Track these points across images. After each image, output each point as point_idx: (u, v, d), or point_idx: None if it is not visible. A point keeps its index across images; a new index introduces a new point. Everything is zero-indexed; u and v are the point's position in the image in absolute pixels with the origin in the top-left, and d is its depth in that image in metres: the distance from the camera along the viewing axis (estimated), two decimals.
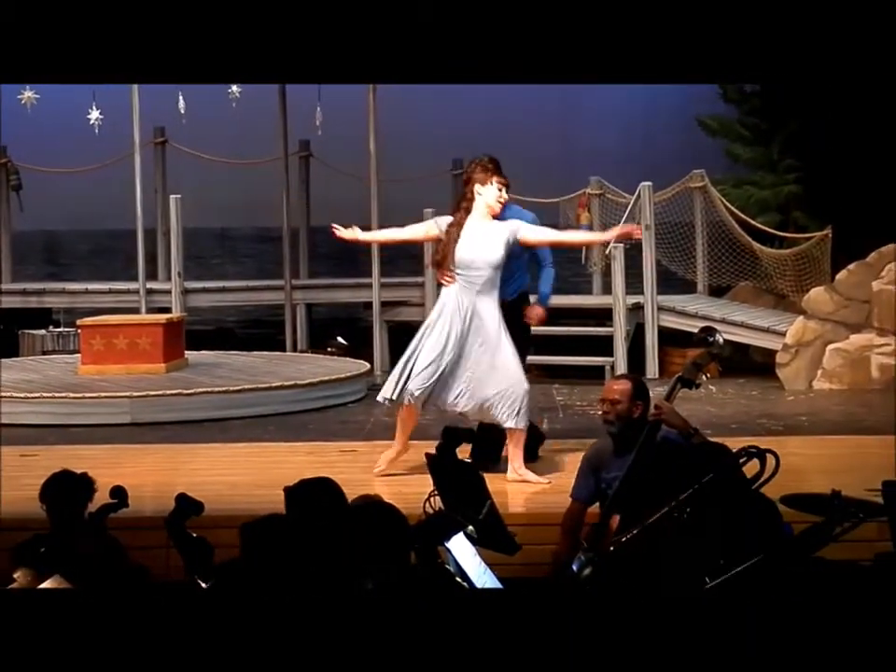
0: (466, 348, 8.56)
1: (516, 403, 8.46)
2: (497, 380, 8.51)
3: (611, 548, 6.17)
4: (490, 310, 8.55)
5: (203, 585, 5.39)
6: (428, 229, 8.90)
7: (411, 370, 8.58)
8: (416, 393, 8.54)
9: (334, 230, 8.90)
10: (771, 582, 5.20)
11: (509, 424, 8.47)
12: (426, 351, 8.58)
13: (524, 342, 8.92)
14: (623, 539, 6.12)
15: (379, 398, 8.80)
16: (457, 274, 8.56)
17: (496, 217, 8.68)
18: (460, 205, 8.73)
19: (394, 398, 8.64)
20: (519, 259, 8.91)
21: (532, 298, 9.07)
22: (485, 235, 8.57)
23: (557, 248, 9.28)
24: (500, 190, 8.65)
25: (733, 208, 14.91)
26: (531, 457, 8.74)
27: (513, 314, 8.81)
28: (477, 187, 8.65)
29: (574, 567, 6.32)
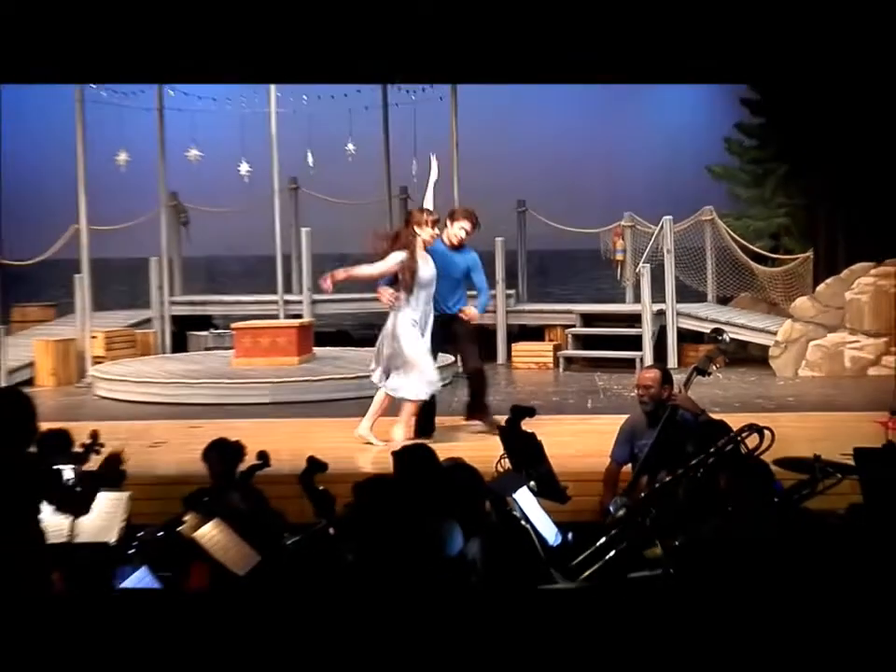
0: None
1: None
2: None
3: (641, 494, 6.16)
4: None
5: (331, 530, 5.39)
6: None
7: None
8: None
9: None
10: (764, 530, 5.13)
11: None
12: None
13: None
14: (651, 490, 6.11)
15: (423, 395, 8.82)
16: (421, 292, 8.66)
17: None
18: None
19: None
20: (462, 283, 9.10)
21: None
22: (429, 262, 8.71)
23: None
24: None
25: (735, 236, 14.80)
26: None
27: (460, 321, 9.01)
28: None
29: (611, 508, 6.31)
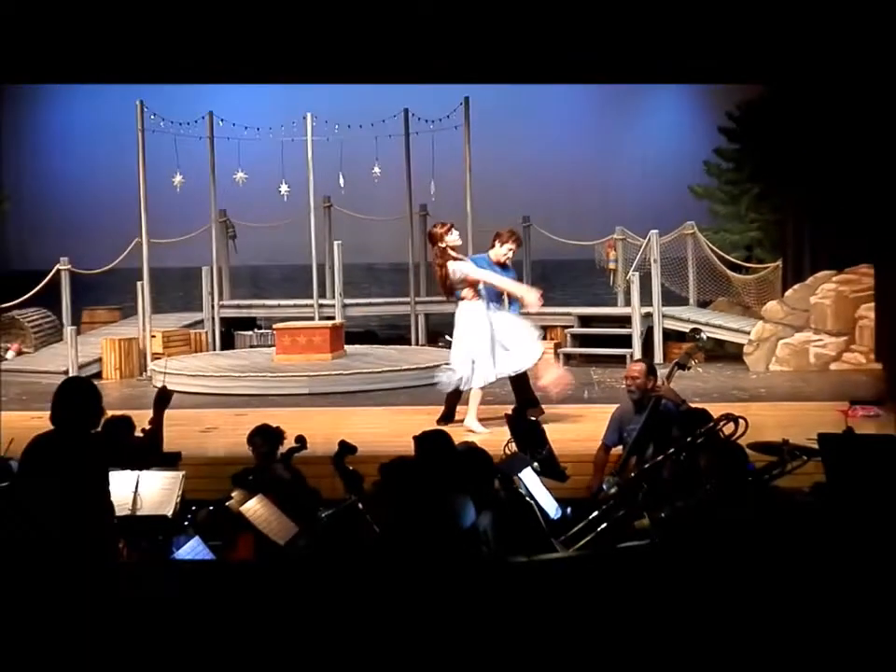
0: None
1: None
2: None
3: (632, 474, 6.16)
4: None
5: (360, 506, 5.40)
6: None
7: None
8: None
9: None
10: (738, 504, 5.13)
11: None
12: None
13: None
14: (640, 470, 6.10)
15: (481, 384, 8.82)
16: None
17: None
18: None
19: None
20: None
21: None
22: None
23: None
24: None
25: (713, 247, 14.77)
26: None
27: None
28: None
29: (604, 487, 6.30)
